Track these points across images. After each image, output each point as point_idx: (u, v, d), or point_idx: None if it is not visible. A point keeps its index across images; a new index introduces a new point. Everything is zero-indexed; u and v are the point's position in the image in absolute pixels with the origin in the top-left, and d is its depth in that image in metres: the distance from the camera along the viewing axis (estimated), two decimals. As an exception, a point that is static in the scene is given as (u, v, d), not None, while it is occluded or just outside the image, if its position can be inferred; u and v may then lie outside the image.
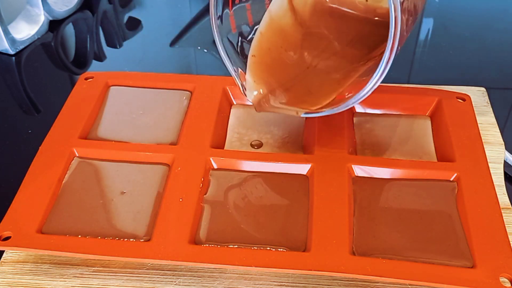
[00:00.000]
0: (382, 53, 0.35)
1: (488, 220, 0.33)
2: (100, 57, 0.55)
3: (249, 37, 0.39)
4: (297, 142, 0.40)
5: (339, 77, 0.37)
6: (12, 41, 0.52)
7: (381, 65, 0.31)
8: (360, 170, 0.37)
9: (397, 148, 0.39)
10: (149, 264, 0.34)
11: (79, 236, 0.33)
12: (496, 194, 0.35)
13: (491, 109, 0.44)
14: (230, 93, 0.43)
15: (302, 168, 0.37)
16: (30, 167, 0.37)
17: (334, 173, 0.36)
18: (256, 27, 0.39)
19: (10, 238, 0.33)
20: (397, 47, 0.31)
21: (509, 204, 0.38)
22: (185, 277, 0.34)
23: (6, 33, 0.51)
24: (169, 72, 0.48)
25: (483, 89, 0.46)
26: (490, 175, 0.36)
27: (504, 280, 0.31)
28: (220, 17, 0.37)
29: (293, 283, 0.33)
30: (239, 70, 0.38)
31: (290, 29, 0.37)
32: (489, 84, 0.48)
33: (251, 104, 0.40)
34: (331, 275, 0.32)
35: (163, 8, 0.63)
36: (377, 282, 0.33)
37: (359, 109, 0.42)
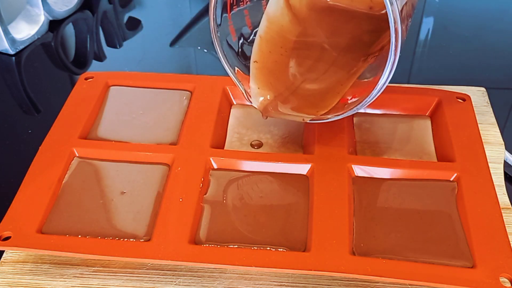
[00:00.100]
0: (382, 48, 0.35)
1: (488, 220, 0.33)
2: (100, 57, 0.55)
3: (250, 39, 0.39)
4: (297, 142, 0.40)
5: (342, 76, 0.37)
6: (12, 41, 0.52)
7: (386, 71, 0.31)
8: (360, 170, 0.37)
9: (397, 148, 0.39)
10: (149, 264, 0.34)
11: (79, 236, 0.33)
12: (496, 194, 0.35)
13: (491, 109, 0.44)
14: (230, 93, 0.43)
15: (302, 168, 0.37)
16: (30, 167, 0.37)
17: (334, 173, 0.36)
18: (256, 30, 0.39)
19: (10, 238, 0.33)
20: (399, 53, 0.31)
21: (509, 204, 0.38)
22: (185, 277, 0.34)
23: (6, 33, 0.51)
24: (169, 72, 0.48)
25: (483, 89, 0.46)
26: (490, 175, 0.36)
27: (504, 280, 0.31)
28: (219, 24, 0.37)
29: (293, 283, 0.33)
30: (236, 69, 0.38)
31: (288, 28, 0.37)
32: (489, 84, 0.47)
33: (251, 104, 0.40)
34: (331, 275, 0.32)
35: (163, 8, 0.63)
36: (377, 282, 0.33)
37: (359, 109, 0.42)
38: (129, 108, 0.42)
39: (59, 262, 0.34)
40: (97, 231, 0.34)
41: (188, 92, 0.43)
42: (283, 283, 0.33)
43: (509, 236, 0.33)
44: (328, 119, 0.36)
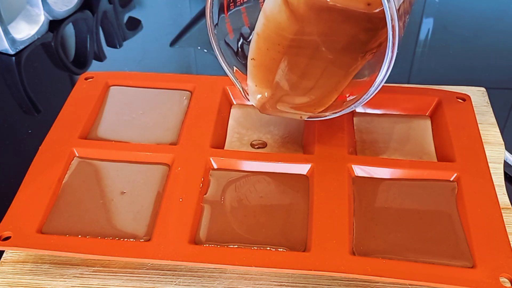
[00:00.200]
0: (380, 44, 0.35)
1: (488, 220, 0.33)
2: (100, 57, 0.55)
3: (249, 38, 0.39)
4: (297, 142, 0.40)
5: (339, 74, 0.37)
6: (12, 41, 0.52)
7: (383, 68, 0.31)
8: (360, 170, 0.37)
9: (397, 148, 0.39)
10: (149, 264, 0.34)
11: (79, 236, 0.33)
12: (496, 194, 0.35)
13: (491, 109, 0.44)
14: (230, 93, 0.43)
15: (302, 168, 0.37)
16: (30, 167, 0.37)
17: (334, 173, 0.36)
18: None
19: (10, 238, 0.33)
20: (397, 50, 0.31)
21: (509, 204, 0.38)
22: (185, 277, 0.34)
23: (6, 33, 0.51)
24: (169, 72, 0.48)
25: (483, 89, 0.46)
26: (490, 175, 0.36)
27: (504, 280, 0.31)
28: (217, 24, 0.37)
29: (293, 283, 0.33)
30: (235, 68, 0.38)
31: (286, 25, 0.37)
32: (489, 84, 0.48)
33: (251, 104, 0.40)
34: (331, 275, 0.32)
35: (163, 8, 0.63)
36: (377, 282, 0.33)
37: (359, 109, 0.42)
38: (129, 108, 0.42)
39: (59, 262, 0.34)
40: (97, 231, 0.34)
41: (188, 92, 0.43)
42: (283, 283, 0.33)
43: (509, 236, 0.33)
44: (326, 116, 0.36)
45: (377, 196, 0.36)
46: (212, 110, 0.41)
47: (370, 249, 0.33)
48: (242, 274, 0.34)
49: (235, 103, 0.43)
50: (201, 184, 0.36)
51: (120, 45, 0.57)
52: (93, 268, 0.34)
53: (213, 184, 0.36)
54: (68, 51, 0.55)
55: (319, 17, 0.36)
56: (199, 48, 0.56)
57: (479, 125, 0.40)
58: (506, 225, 0.33)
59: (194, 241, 0.33)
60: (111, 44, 0.57)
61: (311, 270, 0.31)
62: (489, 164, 0.37)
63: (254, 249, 0.33)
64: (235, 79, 0.38)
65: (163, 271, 0.34)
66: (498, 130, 0.42)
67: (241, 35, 0.39)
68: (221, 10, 0.37)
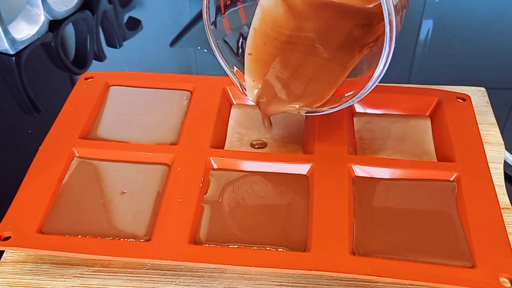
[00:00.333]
0: (377, 39, 0.35)
1: (488, 220, 0.33)
2: (100, 57, 0.55)
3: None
4: (297, 142, 0.40)
5: (336, 69, 0.37)
6: (12, 41, 0.52)
7: (381, 63, 0.31)
8: (360, 170, 0.37)
9: (397, 148, 0.39)
10: (149, 264, 0.34)
11: (79, 236, 0.33)
12: (496, 194, 0.35)
13: (491, 109, 0.44)
14: (230, 93, 0.43)
15: (302, 168, 0.37)
16: (30, 167, 0.37)
17: (334, 173, 0.36)
18: None
19: (10, 238, 0.33)
20: (394, 44, 0.31)
21: (509, 204, 0.38)
22: (185, 277, 0.34)
23: (6, 33, 0.51)
24: (169, 72, 0.48)
25: (483, 89, 0.46)
26: (490, 175, 0.36)
27: (504, 280, 0.31)
28: (214, 22, 0.37)
29: (293, 283, 0.33)
30: (235, 68, 0.38)
31: (282, 19, 0.37)
32: (489, 84, 0.48)
33: (251, 104, 0.40)
34: (331, 275, 0.32)
35: (163, 8, 0.63)
36: (377, 282, 0.33)
37: (359, 109, 0.42)
38: (129, 108, 0.42)
39: (59, 262, 0.34)
40: (97, 231, 0.34)
41: (188, 92, 0.43)
42: (283, 283, 0.33)
43: (509, 236, 0.33)
44: (324, 111, 0.36)
45: (377, 196, 0.36)
46: (212, 110, 0.41)
47: (370, 249, 0.33)
48: (242, 274, 0.34)
49: (235, 103, 0.43)
50: (201, 184, 0.36)
51: (120, 45, 0.57)
52: (93, 268, 0.34)
53: (213, 184, 0.36)
54: (68, 51, 0.55)
55: (315, 13, 0.36)
56: (199, 48, 0.56)
57: (479, 125, 0.40)
58: (506, 225, 0.33)
59: (194, 241, 0.33)
60: (111, 44, 0.57)
61: (311, 270, 0.31)
62: (489, 164, 0.37)
63: (254, 249, 0.33)
64: (231, 74, 0.38)
65: (163, 271, 0.34)
66: (498, 130, 0.42)
67: (241, 34, 0.39)
68: (218, 9, 0.37)
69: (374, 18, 0.35)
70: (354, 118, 0.41)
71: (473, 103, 0.42)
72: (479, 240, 0.32)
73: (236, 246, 0.33)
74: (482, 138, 0.39)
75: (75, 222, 0.34)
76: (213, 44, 0.37)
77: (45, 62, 0.54)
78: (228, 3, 0.37)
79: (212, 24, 0.36)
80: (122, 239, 0.33)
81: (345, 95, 0.36)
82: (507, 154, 0.41)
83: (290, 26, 0.37)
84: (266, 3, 0.36)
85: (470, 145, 0.38)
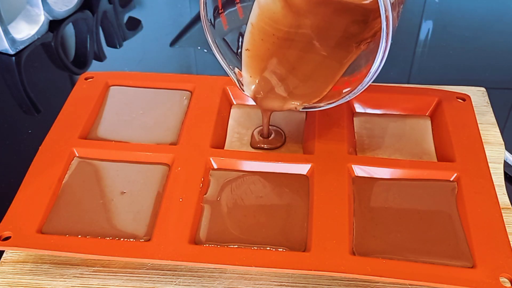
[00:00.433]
0: (374, 34, 0.35)
1: (488, 220, 0.33)
2: (100, 57, 0.55)
3: None
4: (297, 142, 0.40)
5: (334, 65, 0.37)
6: (12, 41, 0.52)
7: (377, 58, 0.31)
8: (360, 170, 0.37)
9: (397, 148, 0.39)
10: (149, 264, 0.34)
11: (79, 236, 0.33)
12: (496, 194, 0.35)
13: (491, 109, 0.44)
14: (230, 93, 0.43)
15: (302, 168, 0.37)
16: (30, 167, 0.37)
17: (334, 173, 0.36)
18: None
19: (10, 238, 0.33)
20: (391, 40, 0.31)
21: (509, 204, 0.38)
22: (185, 277, 0.34)
23: (6, 33, 0.51)
24: (169, 72, 0.48)
25: (483, 89, 0.46)
26: (490, 175, 0.36)
27: (504, 280, 0.31)
28: (212, 20, 0.36)
29: (293, 283, 0.33)
30: (235, 68, 0.38)
31: (280, 15, 0.36)
32: (489, 84, 0.48)
33: (251, 104, 0.40)
34: (331, 275, 0.32)
35: (163, 8, 0.63)
36: (377, 282, 0.33)
37: (359, 109, 0.42)
38: (129, 108, 0.42)
39: (59, 262, 0.34)
40: (97, 231, 0.34)
41: (188, 92, 0.43)
42: (283, 283, 0.33)
43: (509, 236, 0.33)
44: (320, 107, 0.36)
45: (377, 196, 0.36)
46: (212, 110, 0.41)
47: (370, 249, 0.33)
48: (242, 274, 0.34)
49: (235, 103, 0.43)
50: (201, 184, 0.36)
51: (120, 45, 0.57)
52: (93, 268, 0.34)
53: (213, 184, 0.36)
54: (68, 51, 0.55)
55: (313, 9, 0.36)
56: (199, 48, 0.56)
57: (479, 125, 0.40)
58: (506, 225, 0.33)
59: (194, 241, 0.33)
60: (111, 44, 0.57)
61: (311, 270, 0.31)
62: (489, 164, 0.37)
63: (254, 249, 0.33)
64: (228, 68, 0.38)
65: (163, 271, 0.34)
66: (498, 130, 0.42)
67: (240, 34, 0.39)
68: (216, 7, 0.37)
69: (371, 14, 0.35)
70: (354, 118, 0.41)
71: (473, 103, 0.42)
72: (479, 240, 0.32)
73: (236, 246, 0.33)
74: (482, 138, 0.39)
75: (75, 222, 0.34)
76: (210, 40, 0.37)
77: (45, 62, 0.54)
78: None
79: (209, 21, 0.36)
80: (122, 239, 0.33)
81: (343, 91, 0.36)
82: (507, 154, 0.41)
83: (287, 22, 0.37)
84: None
85: (470, 145, 0.38)
